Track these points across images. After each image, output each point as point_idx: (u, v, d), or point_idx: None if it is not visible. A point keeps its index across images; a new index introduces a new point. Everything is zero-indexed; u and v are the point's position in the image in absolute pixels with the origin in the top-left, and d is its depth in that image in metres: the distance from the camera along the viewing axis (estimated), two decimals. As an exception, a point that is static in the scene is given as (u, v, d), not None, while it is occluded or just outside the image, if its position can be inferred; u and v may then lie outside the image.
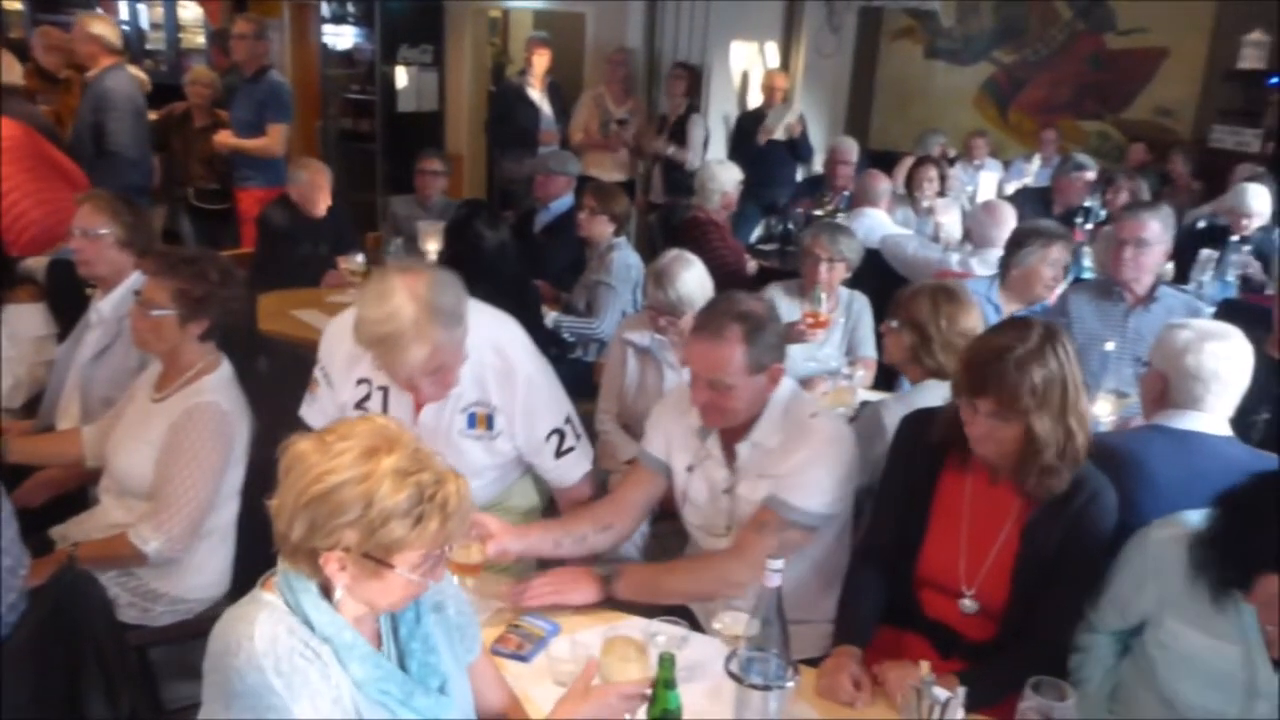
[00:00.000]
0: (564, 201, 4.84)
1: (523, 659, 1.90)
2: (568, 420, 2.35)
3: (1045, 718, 1.54)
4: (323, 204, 4.62)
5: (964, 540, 1.98)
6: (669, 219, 6.22)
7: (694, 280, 3.03)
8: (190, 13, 8.39)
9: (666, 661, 1.56)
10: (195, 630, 2.43)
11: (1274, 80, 7.76)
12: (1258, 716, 1.75)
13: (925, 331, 2.57)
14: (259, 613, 1.39)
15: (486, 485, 2.39)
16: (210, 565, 2.46)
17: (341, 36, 7.77)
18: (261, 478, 2.41)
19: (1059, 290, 3.57)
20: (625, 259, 4.11)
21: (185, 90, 5.70)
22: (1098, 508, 1.92)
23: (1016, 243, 3.56)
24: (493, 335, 2.26)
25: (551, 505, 2.57)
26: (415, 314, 1.96)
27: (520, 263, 4.05)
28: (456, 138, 7.70)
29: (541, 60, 6.60)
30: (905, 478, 2.06)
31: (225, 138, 5.42)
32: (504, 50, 9.48)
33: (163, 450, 2.33)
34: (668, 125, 6.61)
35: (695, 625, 2.14)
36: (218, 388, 2.40)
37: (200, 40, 8.29)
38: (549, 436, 2.31)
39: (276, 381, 2.67)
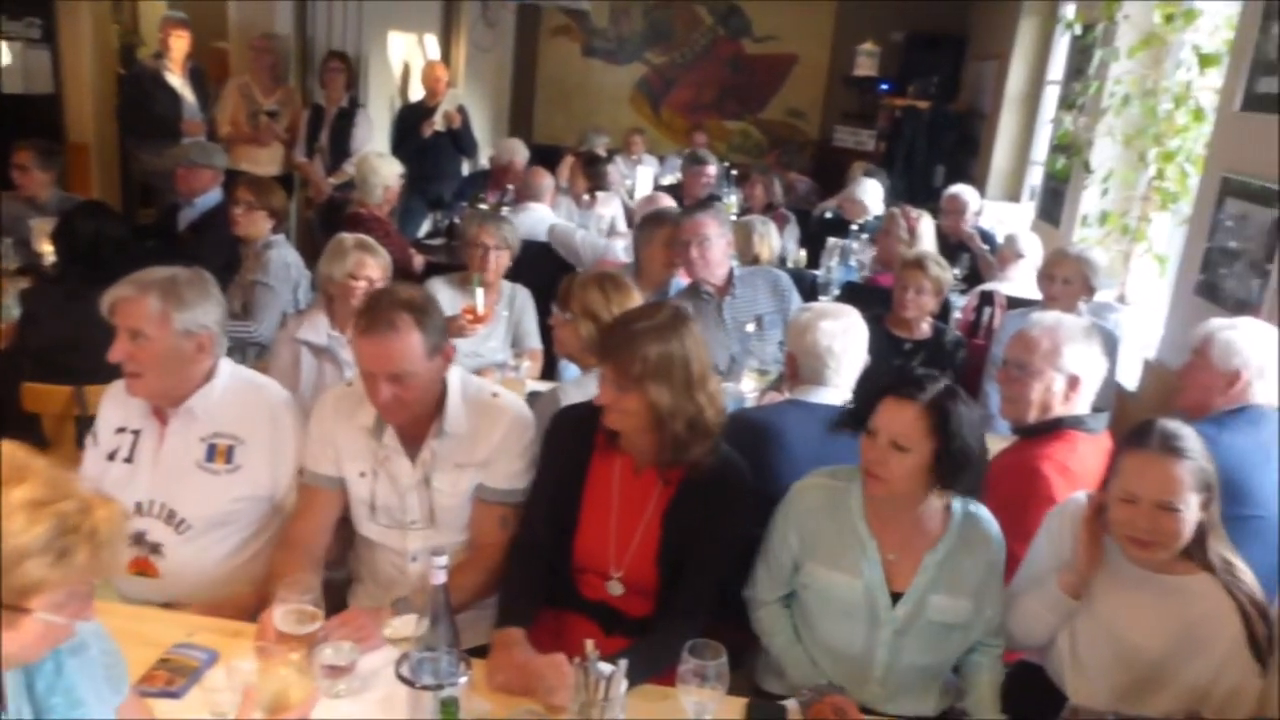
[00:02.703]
0: (211, 196, 4.55)
1: (174, 695, 1.75)
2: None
3: (701, 676, 1.65)
4: None
5: (613, 527, 2.06)
6: (329, 215, 5.98)
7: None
8: None
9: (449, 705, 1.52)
10: None
11: (884, 86, 8.80)
12: (881, 642, 1.99)
13: (600, 318, 2.68)
14: None
15: (228, 536, 2.23)
16: None
17: (-86, 2, 6.66)
18: None
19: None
20: (284, 257, 3.91)
21: None
22: (730, 486, 2.04)
23: (639, 229, 3.82)
24: (252, 376, 2.31)
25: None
26: (168, 275, 2.14)
27: (160, 262, 3.73)
28: (80, 124, 6.87)
29: (180, 43, 6.08)
30: (558, 469, 2.12)
31: None
32: (134, 30, 8.62)
33: None
34: (326, 118, 6.33)
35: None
36: None
37: None
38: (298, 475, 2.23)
39: None
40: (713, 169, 6.13)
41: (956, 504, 2.01)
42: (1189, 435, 1.89)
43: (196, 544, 2.18)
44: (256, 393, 2.27)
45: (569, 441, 2.11)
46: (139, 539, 2.17)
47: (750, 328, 3.49)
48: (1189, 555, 1.90)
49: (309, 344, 3.06)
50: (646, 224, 3.79)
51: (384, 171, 4.70)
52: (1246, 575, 1.90)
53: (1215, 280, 3.41)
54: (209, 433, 2.19)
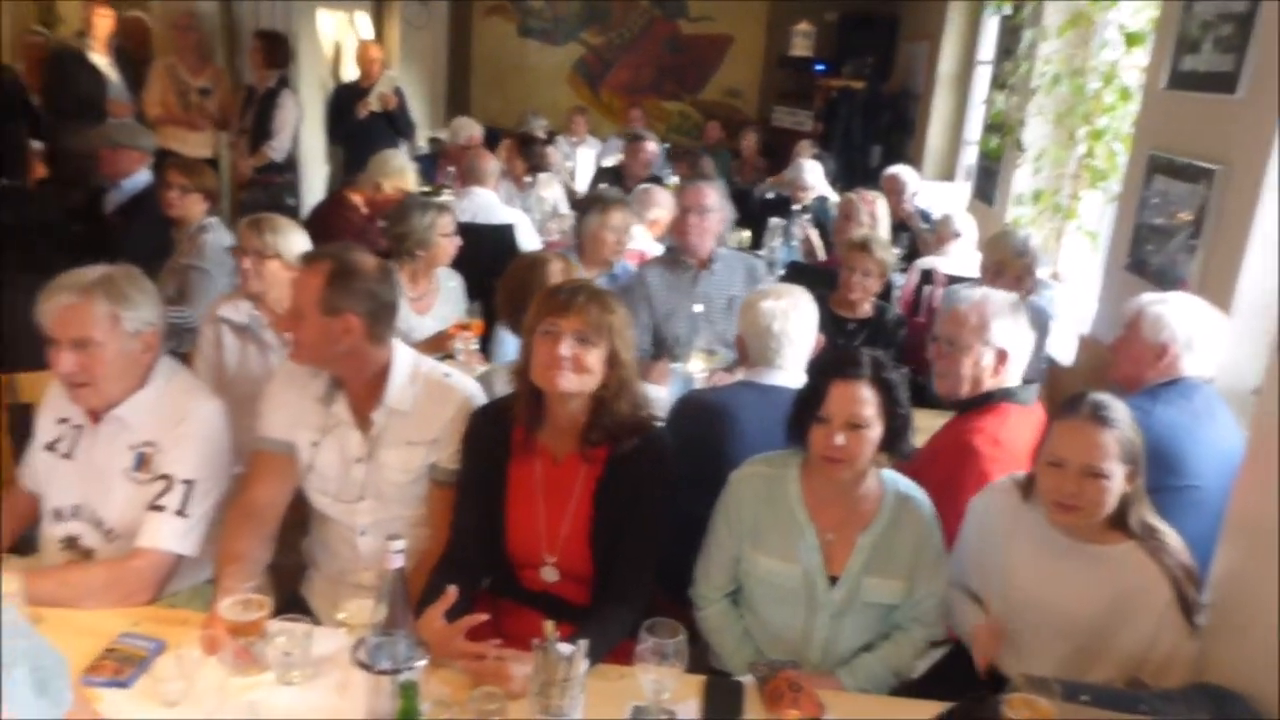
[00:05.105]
0: (139, 179, 4.42)
1: (122, 684, 1.72)
2: (189, 484, 2.08)
3: (660, 655, 1.66)
4: None
5: (542, 518, 2.05)
6: (258, 197, 5.86)
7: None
8: None
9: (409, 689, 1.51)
10: None
11: (820, 67, 8.86)
12: (819, 625, 2.04)
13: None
14: None
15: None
16: None
17: None
18: None
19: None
20: (220, 240, 3.82)
21: None
22: (656, 458, 2.03)
23: (582, 211, 3.84)
24: (191, 387, 2.21)
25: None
26: (102, 274, 2.04)
27: (92, 248, 3.63)
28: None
29: (104, 22, 5.90)
30: (480, 469, 2.09)
31: None
32: (50, 9, 8.33)
33: None
34: (255, 98, 6.18)
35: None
36: None
37: None
38: (160, 477, 2.08)
39: None
40: (652, 145, 6.14)
41: (889, 485, 2.05)
42: (1119, 407, 1.93)
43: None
44: (181, 409, 2.12)
45: (486, 446, 2.08)
46: (71, 543, 2.12)
47: (700, 307, 3.52)
48: (1114, 526, 1.95)
49: (229, 322, 2.99)
50: (589, 206, 3.78)
51: (392, 176, 4.57)
52: (1172, 539, 1.94)
53: (1144, 256, 3.50)
54: (138, 440, 2.10)
